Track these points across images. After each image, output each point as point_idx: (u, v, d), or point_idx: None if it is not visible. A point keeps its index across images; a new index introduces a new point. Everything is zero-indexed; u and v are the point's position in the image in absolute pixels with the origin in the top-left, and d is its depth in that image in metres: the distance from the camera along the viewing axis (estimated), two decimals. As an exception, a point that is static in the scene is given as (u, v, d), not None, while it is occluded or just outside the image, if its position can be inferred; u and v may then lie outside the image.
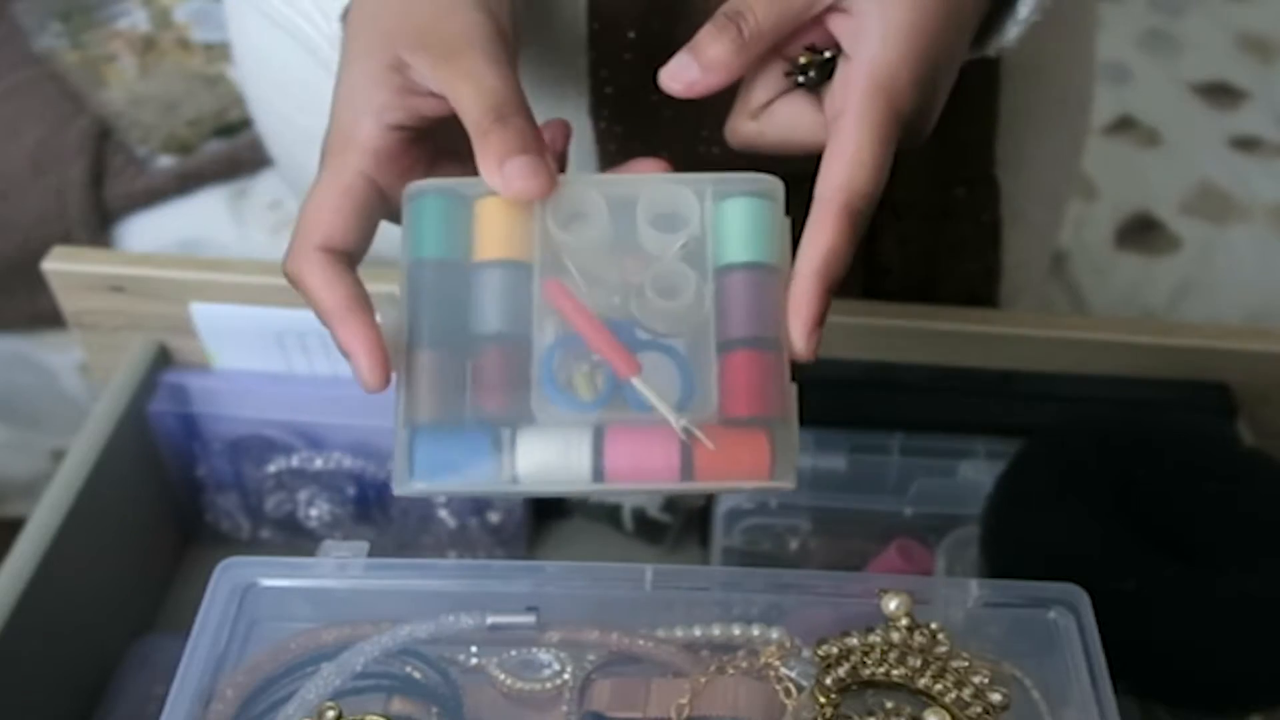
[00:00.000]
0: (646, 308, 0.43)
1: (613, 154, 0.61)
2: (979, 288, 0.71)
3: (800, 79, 0.46)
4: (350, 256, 0.45)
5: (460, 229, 0.45)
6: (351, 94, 0.45)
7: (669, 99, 0.61)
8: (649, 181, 0.46)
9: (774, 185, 0.45)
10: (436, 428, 0.42)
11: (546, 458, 0.42)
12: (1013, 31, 0.48)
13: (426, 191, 0.45)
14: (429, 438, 0.42)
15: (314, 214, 0.45)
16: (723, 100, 0.60)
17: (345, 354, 0.43)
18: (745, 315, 0.44)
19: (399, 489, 0.42)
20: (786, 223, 0.45)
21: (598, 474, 0.42)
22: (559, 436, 0.42)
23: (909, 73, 0.43)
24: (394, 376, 0.43)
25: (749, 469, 0.42)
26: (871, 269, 0.70)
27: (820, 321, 0.43)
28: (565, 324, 0.43)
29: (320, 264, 0.44)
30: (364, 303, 0.43)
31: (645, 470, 0.42)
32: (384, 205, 0.46)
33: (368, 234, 0.45)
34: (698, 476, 0.42)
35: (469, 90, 0.43)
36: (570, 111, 0.60)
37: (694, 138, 0.61)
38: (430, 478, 0.42)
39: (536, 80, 0.56)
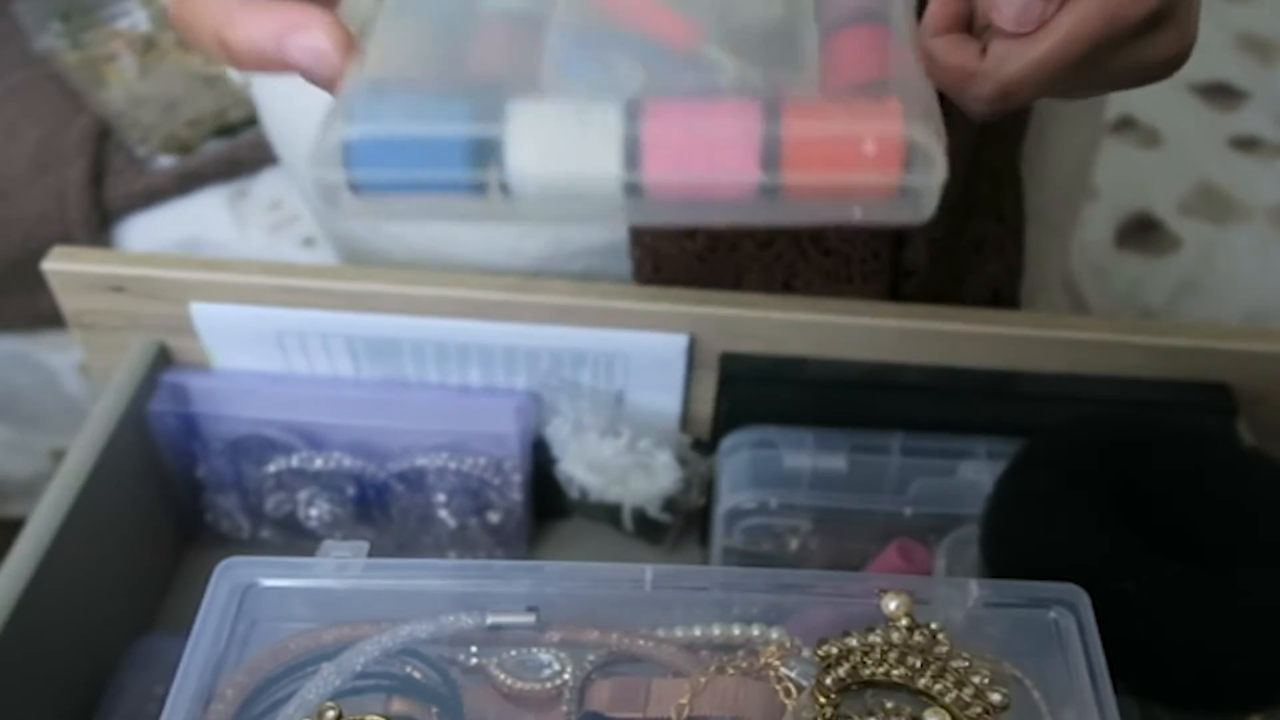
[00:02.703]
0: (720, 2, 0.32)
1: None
2: (1003, 287, 0.71)
3: None
4: None
5: None
6: None
7: None
8: None
9: None
10: (395, 86, 0.29)
11: (553, 124, 0.28)
12: None
13: None
14: (384, 92, 0.29)
15: None
16: None
17: (281, 35, 0.31)
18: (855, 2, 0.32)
19: (317, 168, 0.29)
20: None
21: (632, 158, 0.28)
22: (574, 109, 0.28)
23: None
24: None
25: (874, 141, 0.28)
26: (896, 272, 0.70)
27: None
28: (601, 13, 0.31)
29: None
30: None
31: (705, 148, 0.28)
32: None
33: None
34: (788, 157, 0.28)
35: None
36: None
37: None
38: (372, 152, 0.28)
39: None
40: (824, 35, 0.32)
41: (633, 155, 0.28)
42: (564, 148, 0.28)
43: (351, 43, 0.31)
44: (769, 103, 0.28)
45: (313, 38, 0.31)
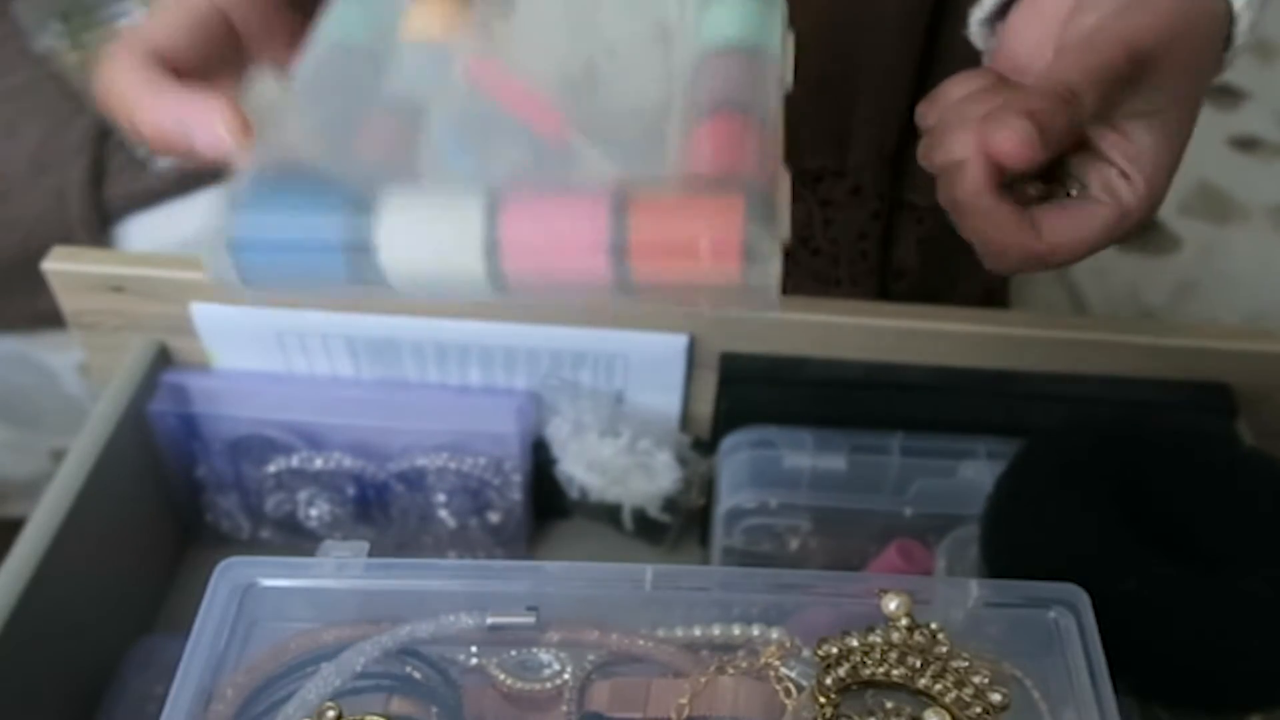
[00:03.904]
0: (598, 83, 0.34)
1: None
2: (995, 288, 0.71)
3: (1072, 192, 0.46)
4: (178, 73, 0.37)
5: (385, 28, 0.37)
6: None
7: None
8: None
9: None
10: (285, 170, 0.32)
11: (419, 222, 0.30)
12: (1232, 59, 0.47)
13: None
14: (272, 178, 0.32)
15: (143, 26, 0.39)
16: None
17: (185, 119, 0.35)
18: (723, 85, 0.34)
19: (210, 258, 0.31)
20: (788, 35, 0.37)
21: (491, 255, 0.30)
22: (441, 200, 0.31)
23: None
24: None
25: (708, 246, 0.29)
26: (886, 273, 0.69)
27: (1028, 114, 0.39)
28: (487, 103, 0.34)
29: (144, 60, 0.36)
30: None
31: (559, 244, 0.30)
32: (233, 48, 0.39)
33: (208, 63, 0.38)
34: (634, 253, 0.29)
35: None
36: None
37: None
38: (254, 238, 0.30)
39: None
40: (692, 120, 0.33)
41: (492, 253, 0.30)
42: (429, 245, 0.30)
43: (249, 129, 0.34)
44: (617, 201, 0.30)
45: (213, 128, 0.34)
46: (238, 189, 0.32)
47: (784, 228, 0.31)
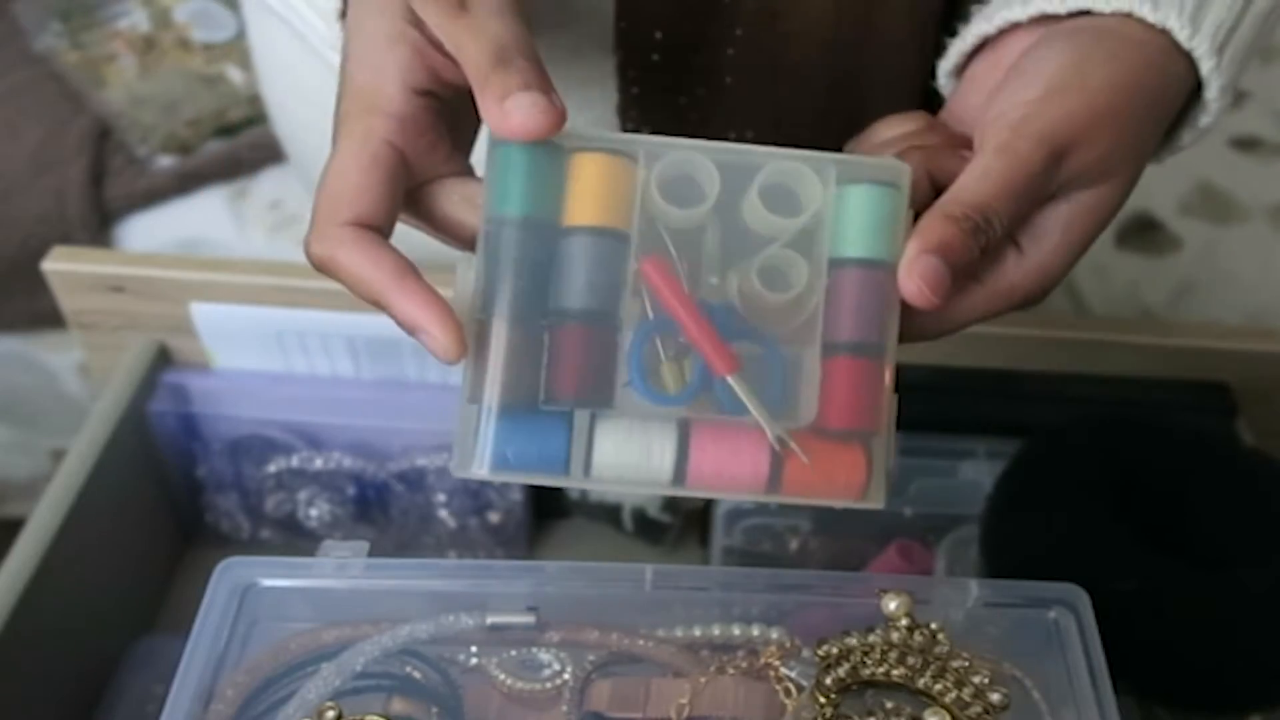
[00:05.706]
0: (750, 296, 0.41)
1: None
2: None
3: None
4: (383, 232, 0.41)
5: (551, 184, 0.41)
6: (368, 50, 0.42)
7: (696, 101, 0.60)
8: (765, 155, 0.42)
9: (901, 173, 0.41)
10: (509, 410, 0.40)
11: (626, 453, 0.40)
12: (1202, 120, 0.45)
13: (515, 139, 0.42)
14: (500, 420, 0.40)
15: (339, 187, 0.40)
16: (751, 105, 0.60)
17: (410, 329, 0.40)
18: (855, 317, 0.41)
19: (461, 471, 0.40)
20: (910, 216, 0.41)
21: (679, 475, 0.40)
22: (641, 430, 0.40)
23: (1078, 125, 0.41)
24: None
25: (841, 487, 0.41)
26: None
27: (940, 251, 0.39)
28: (659, 306, 0.40)
29: (355, 240, 0.40)
30: (415, 271, 0.39)
31: (730, 476, 0.40)
32: (409, 180, 0.42)
33: (397, 208, 0.42)
34: (785, 489, 0.40)
35: (472, 41, 0.40)
36: (597, 112, 0.60)
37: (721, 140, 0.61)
38: (500, 466, 0.40)
39: (563, 79, 0.55)
40: (826, 353, 0.41)
41: (679, 478, 0.40)
42: (631, 469, 0.40)
43: (463, 338, 0.39)
44: (775, 452, 0.40)
45: (435, 340, 0.39)
46: (480, 435, 0.40)
47: (892, 459, 0.42)
